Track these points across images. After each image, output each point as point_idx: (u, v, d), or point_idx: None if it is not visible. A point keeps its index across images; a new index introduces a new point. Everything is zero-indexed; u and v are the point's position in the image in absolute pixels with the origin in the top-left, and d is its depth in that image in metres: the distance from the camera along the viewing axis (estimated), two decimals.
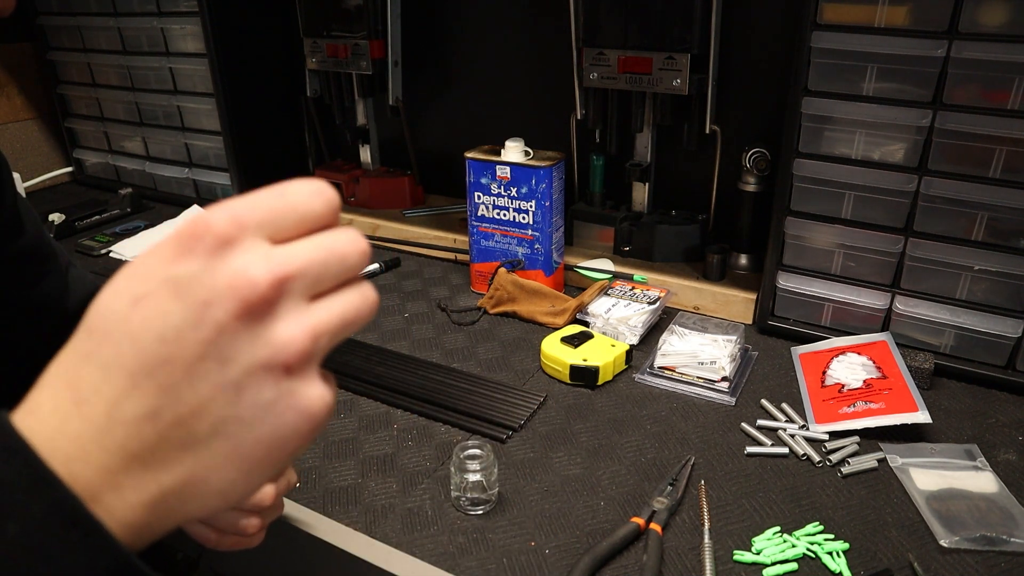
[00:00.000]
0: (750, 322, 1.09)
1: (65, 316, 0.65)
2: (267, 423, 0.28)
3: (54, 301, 0.64)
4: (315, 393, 0.29)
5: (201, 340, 0.27)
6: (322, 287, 0.30)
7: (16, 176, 1.59)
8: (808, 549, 0.67)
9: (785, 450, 0.81)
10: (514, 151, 1.11)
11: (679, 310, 1.12)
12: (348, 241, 0.31)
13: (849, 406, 0.85)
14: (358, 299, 0.31)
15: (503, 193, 1.13)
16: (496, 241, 1.17)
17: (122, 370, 0.27)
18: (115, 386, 0.27)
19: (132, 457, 0.27)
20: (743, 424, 0.86)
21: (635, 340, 1.02)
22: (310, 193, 0.30)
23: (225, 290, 0.27)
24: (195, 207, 1.54)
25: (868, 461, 0.78)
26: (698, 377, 0.93)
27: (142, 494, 0.27)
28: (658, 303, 1.07)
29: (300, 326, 0.28)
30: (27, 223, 0.63)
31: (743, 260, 1.18)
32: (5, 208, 0.60)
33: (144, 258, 0.28)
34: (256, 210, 0.28)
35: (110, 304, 0.28)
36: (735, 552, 0.67)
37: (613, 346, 0.97)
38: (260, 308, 0.27)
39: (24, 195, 1.62)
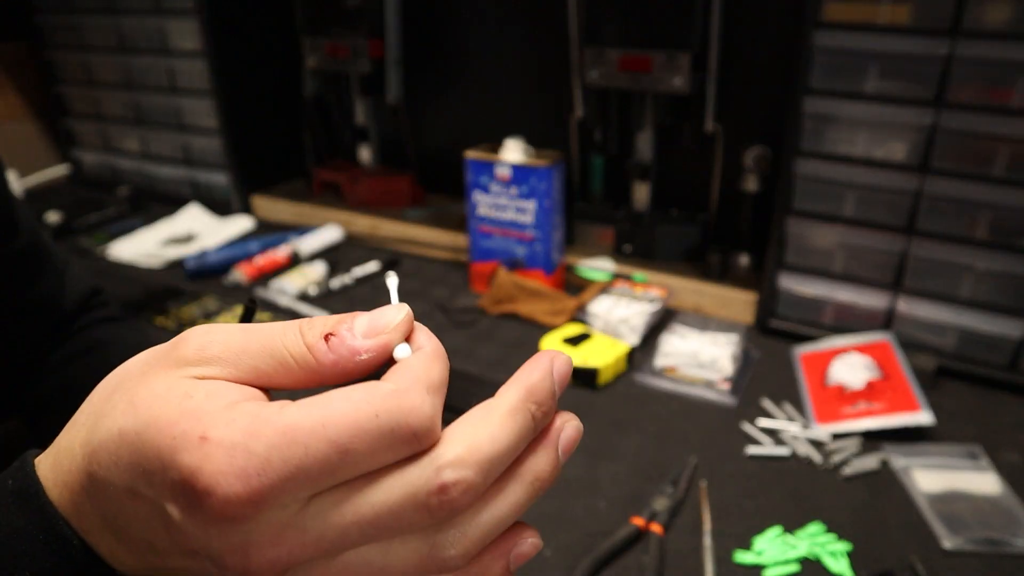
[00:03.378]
0: (751, 322, 1.08)
1: (61, 317, 0.65)
2: None
3: (49, 302, 0.64)
4: None
5: (188, 565, 0.26)
6: (360, 547, 0.26)
7: (13, 175, 1.59)
8: (810, 550, 0.67)
9: (786, 451, 0.80)
10: (514, 151, 1.10)
11: (679, 310, 1.12)
12: (427, 493, 0.25)
13: (851, 406, 0.85)
14: (414, 558, 0.26)
15: (503, 193, 1.12)
16: (496, 241, 1.16)
17: (117, 535, 0.26)
18: (115, 537, 0.27)
19: (133, 569, 0.28)
20: (744, 425, 0.85)
21: (636, 340, 1.02)
22: (389, 448, 0.24)
23: (217, 559, 0.24)
24: (193, 205, 1.54)
25: (870, 462, 0.78)
26: (699, 378, 0.93)
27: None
28: (658, 303, 1.07)
29: None
30: (22, 225, 0.62)
31: (744, 260, 1.17)
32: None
33: (150, 449, 0.24)
34: (293, 482, 0.23)
35: (110, 470, 0.25)
36: (736, 553, 0.67)
37: (613, 346, 0.96)
38: None
39: (22, 194, 1.62)
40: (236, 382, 0.26)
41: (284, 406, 0.24)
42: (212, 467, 0.22)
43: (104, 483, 0.25)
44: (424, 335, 0.28)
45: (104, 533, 0.27)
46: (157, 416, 0.24)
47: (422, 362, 0.26)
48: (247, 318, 0.32)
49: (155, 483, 0.24)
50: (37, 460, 0.28)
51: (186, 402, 0.24)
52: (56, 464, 0.27)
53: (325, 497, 0.24)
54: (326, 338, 0.26)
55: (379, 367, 0.27)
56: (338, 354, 0.26)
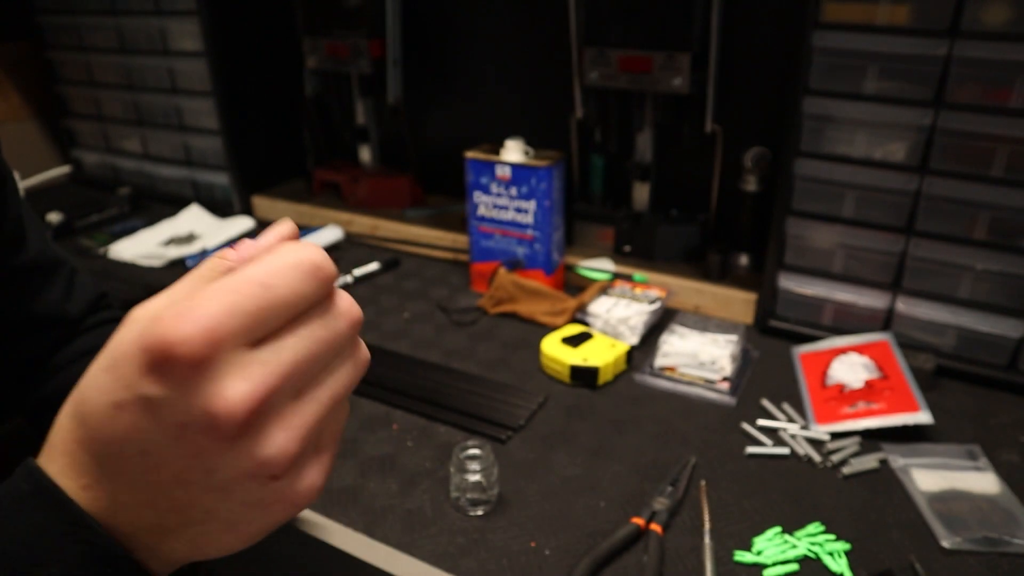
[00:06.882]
0: (751, 322, 1.08)
1: (67, 325, 0.65)
2: (257, 515, 0.29)
3: (55, 311, 0.64)
4: (305, 485, 0.29)
5: (182, 455, 0.27)
6: (312, 378, 0.29)
7: (15, 175, 1.59)
8: (809, 550, 0.67)
9: (786, 450, 0.81)
10: (514, 151, 1.11)
11: (679, 310, 1.12)
12: (340, 324, 0.30)
13: (850, 406, 0.85)
14: (348, 374, 0.30)
15: (503, 193, 1.12)
16: (496, 241, 1.17)
17: (115, 469, 0.28)
18: (111, 480, 0.28)
19: (142, 530, 0.29)
20: (744, 424, 0.85)
21: (635, 340, 1.02)
22: (302, 278, 0.28)
23: (201, 416, 0.26)
24: (194, 206, 1.54)
25: (869, 462, 0.78)
26: (699, 377, 0.93)
27: (158, 552, 0.30)
28: (658, 303, 1.07)
29: (287, 436, 0.27)
30: (30, 236, 0.62)
31: (744, 260, 1.18)
32: (7, 223, 0.60)
33: (121, 357, 0.27)
34: (235, 318, 0.26)
35: (94, 399, 0.27)
36: (736, 552, 0.67)
37: (613, 346, 0.97)
38: (240, 431, 0.26)
39: (23, 195, 1.62)
40: None
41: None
42: (161, 327, 0.25)
43: (92, 416, 0.27)
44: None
45: (124, 496, 0.28)
46: (121, 340, 0.27)
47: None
48: None
49: (128, 376, 0.26)
50: (39, 463, 0.30)
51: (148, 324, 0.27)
52: (53, 456, 0.29)
53: (269, 340, 0.27)
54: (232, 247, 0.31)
55: None
56: (242, 254, 0.30)
